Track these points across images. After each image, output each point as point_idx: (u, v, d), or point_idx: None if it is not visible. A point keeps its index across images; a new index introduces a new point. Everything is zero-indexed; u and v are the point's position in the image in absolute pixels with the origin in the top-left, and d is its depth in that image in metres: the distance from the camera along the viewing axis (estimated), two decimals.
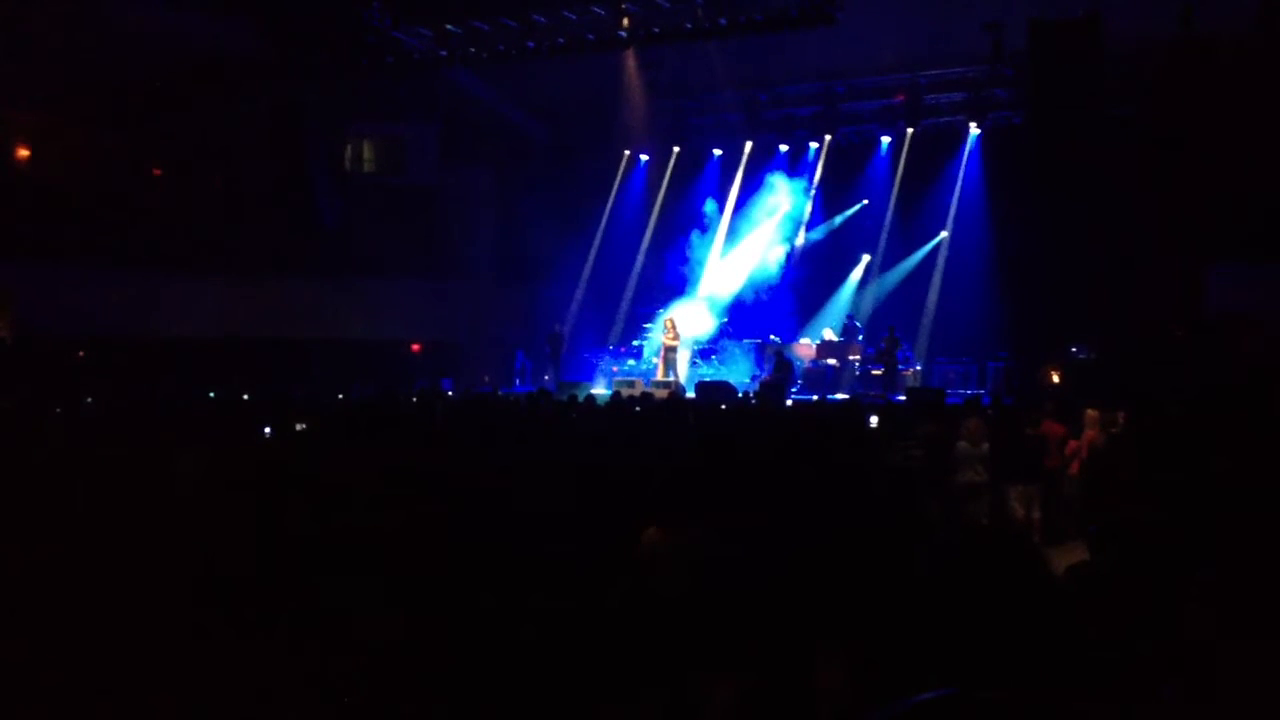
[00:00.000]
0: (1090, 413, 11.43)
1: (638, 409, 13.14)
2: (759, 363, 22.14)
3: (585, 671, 2.80)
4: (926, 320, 22.24)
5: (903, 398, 18.49)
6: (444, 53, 20.69)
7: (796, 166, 24.36)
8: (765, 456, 7.00)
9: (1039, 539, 10.77)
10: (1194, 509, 3.86)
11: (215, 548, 4.10)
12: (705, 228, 24.34)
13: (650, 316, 23.48)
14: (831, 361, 21.69)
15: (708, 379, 20.85)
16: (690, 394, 19.40)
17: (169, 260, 24.93)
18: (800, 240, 24.03)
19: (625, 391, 18.12)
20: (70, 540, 4.09)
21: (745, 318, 23.48)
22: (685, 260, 24.13)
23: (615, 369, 22.88)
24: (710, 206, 24.49)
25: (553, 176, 25.47)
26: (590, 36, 19.59)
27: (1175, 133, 17.91)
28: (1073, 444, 11.33)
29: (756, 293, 23.63)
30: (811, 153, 24.28)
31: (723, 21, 18.41)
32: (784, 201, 23.86)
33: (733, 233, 24.34)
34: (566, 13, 19.38)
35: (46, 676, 3.13)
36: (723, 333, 23.15)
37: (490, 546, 3.89)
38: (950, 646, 1.75)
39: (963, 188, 22.43)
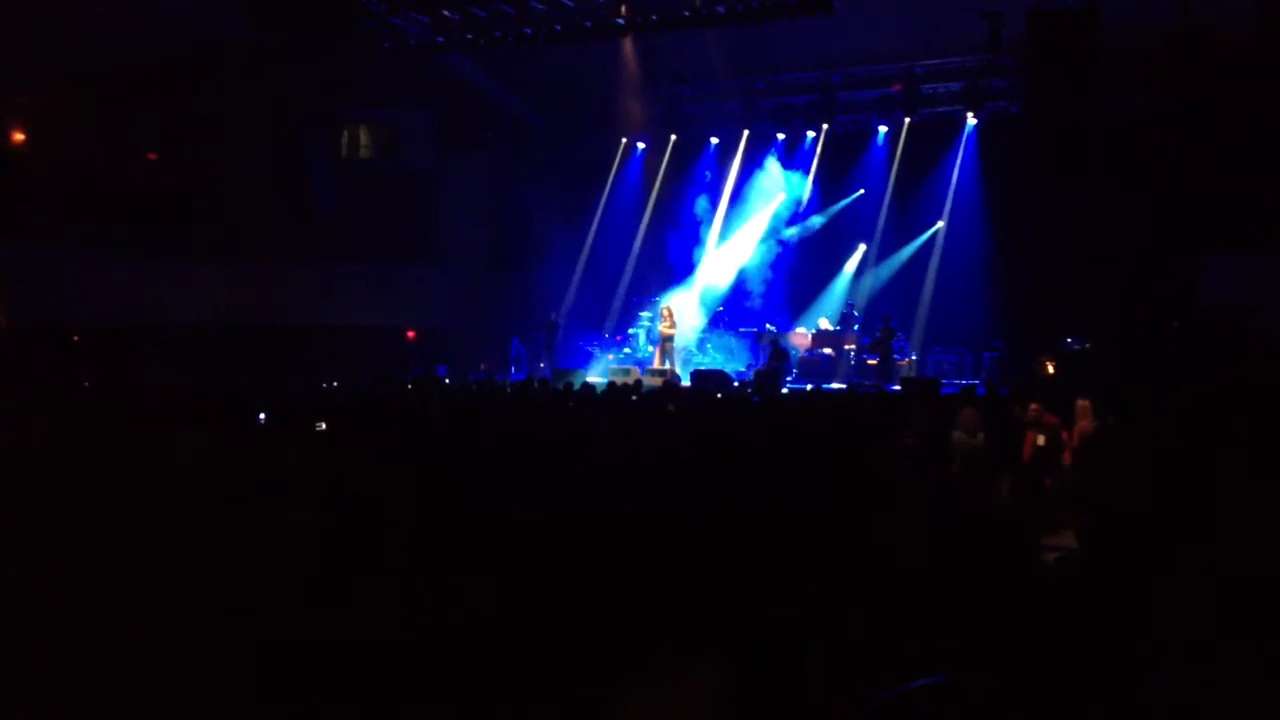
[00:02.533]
0: (1082, 403, 11.47)
1: (634, 397, 13.16)
2: (754, 351, 22.16)
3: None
4: (922, 310, 22.26)
5: (898, 387, 18.55)
6: (441, 39, 20.64)
7: (793, 155, 24.35)
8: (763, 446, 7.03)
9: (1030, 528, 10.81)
10: (1185, 501, 3.87)
11: (213, 534, 4.11)
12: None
13: (646, 305, 23.49)
14: (827, 351, 21.72)
15: (703, 368, 20.88)
16: (685, 382, 19.44)
17: (164, 245, 24.91)
18: (796, 229, 24.03)
19: (620, 380, 18.14)
20: (70, 527, 4.10)
21: (741, 307, 23.50)
22: (692, 235, 24.14)
23: (610, 357, 22.89)
24: (702, 204, 24.51)
25: (549, 163, 25.42)
26: (587, 24, 19.54)
27: (1173, 123, 17.93)
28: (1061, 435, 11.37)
29: (752, 281, 23.64)
30: (808, 141, 24.27)
31: (720, 9, 18.37)
32: (780, 190, 23.88)
33: (729, 221, 24.33)
34: None
35: (48, 665, 3.14)
36: (718, 321, 23.17)
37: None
38: (942, 632, 1.77)
39: (959, 177, 22.42)
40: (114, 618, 3.40)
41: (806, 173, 24.01)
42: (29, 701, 3.09)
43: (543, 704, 2.87)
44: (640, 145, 25.81)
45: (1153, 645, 2.30)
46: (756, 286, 23.64)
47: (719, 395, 15.19)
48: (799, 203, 23.93)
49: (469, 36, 20.40)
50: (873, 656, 2.16)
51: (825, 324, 22.29)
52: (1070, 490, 10.78)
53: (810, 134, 24.22)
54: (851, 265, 23.49)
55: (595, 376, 20.86)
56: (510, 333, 24.24)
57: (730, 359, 22.37)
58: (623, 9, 19.07)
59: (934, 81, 22.76)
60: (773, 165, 23.96)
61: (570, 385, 15.20)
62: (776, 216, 23.89)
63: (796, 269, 23.80)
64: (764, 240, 23.77)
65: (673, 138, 25.37)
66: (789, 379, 20.44)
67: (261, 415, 9.57)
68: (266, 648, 3.20)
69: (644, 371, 20.77)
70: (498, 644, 3.03)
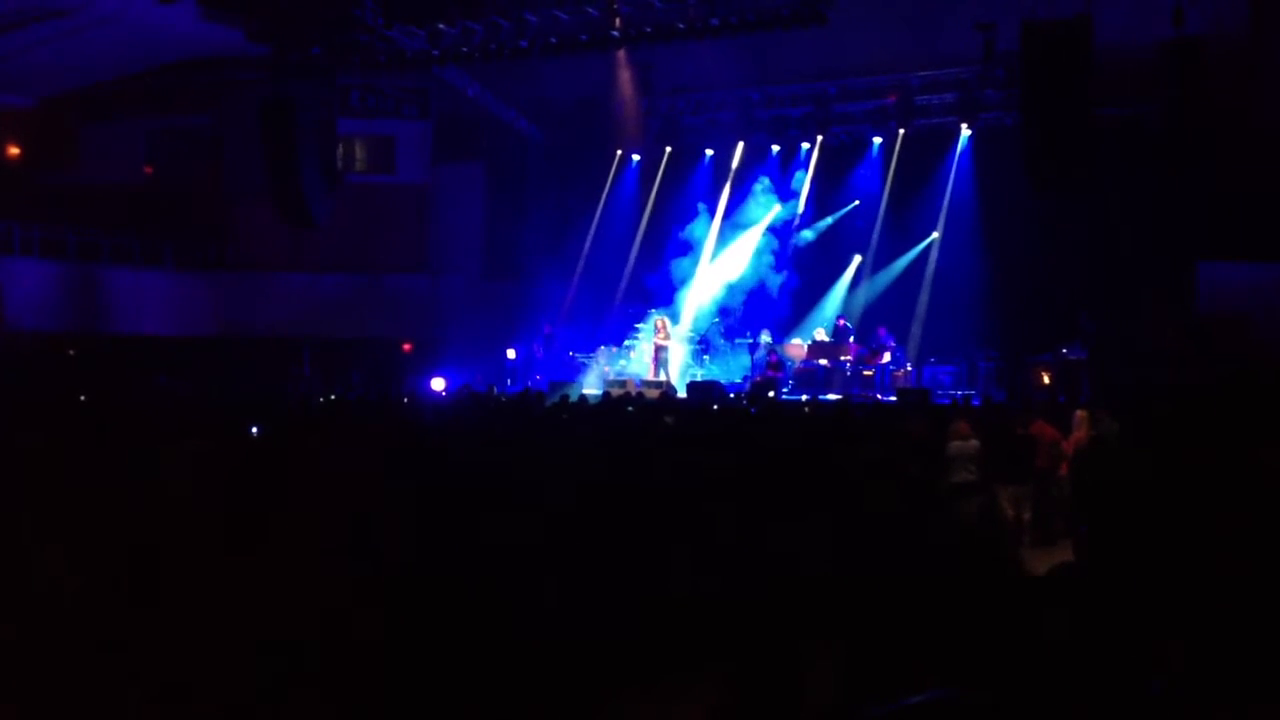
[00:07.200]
0: (1079, 413, 11.49)
1: (629, 409, 13.14)
2: (751, 362, 22.14)
3: None
4: (918, 320, 22.25)
5: (893, 398, 18.59)
6: (436, 51, 20.66)
7: (788, 167, 24.38)
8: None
9: (1029, 540, 10.81)
10: (1183, 509, 3.86)
11: (208, 546, 4.08)
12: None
13: (642, 316, 23.47)
14: (823, 362, 21.69)
15: (699, 379, 20.89)
16: (681, 394, 19.44)
17: (159, 257, 24.91)
18: (810, 232, 24.04)
19: (616, 392, 18.14)
20: (68, 538, 4.07)
21: (737, 318, 23.49)
22: (688, 246, 24.13)
23: (606, 368, 22.87)
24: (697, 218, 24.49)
25: (544, 176, 25.46)
26: (583, 36, 19.57)
27: (1166, 133, 17.98)
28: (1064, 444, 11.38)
29: (748, 293, 23.64)
30: (803, 153, 24.29)
31: (714, 21, 18.40)
32: (775, 202, 23.90)
33: (724, 233, 24.33)
34: (559, 12, 19.36)
35: (45, 679, 3.11)
36: (714, 333, 23.15)
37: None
38: (933, 647, 1.75)
39: (954, 188, 22.45)
40: (110, 629, 3.37)
41: (802, 184, 24.02)
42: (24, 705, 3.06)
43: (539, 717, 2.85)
44: (635, 157, 25.82)
45: (1150, 654, 2.29)
46: (753, 298, 23.63)
47: (715, 406, 15.17)
48: (793, 216, 23.95)
49: (464, 49, 20.42)
50: (869, 672, 2.14)
51: (821, 335, 22.28)
52: (1067, 501, 10.79)
53: (805, 145, 24.23)
54: (847, 277, 23.49)
55: (591, 388, 20.84)
56: (506, 344, 24.24)
57: (726, 370, 22.35)
58: (617, 21, 19.11)
59: (928, 93, 22.82)
60: (761, 188, 23.97)
61: (566, 397, 15.18)
62: (772, 227, 23.87)
63: (792, 281, 23.79)
64: (760, 251, 23.76)
65: (668, 149, 25.40)
66: (785, 390, 20.44)
67: (254, 429, 9.53)
68: (265, 654, 3.17)
69: (639, 383, 20.76)
70: (491, 657, 3.01)
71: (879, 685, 1.81)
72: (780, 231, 23.92)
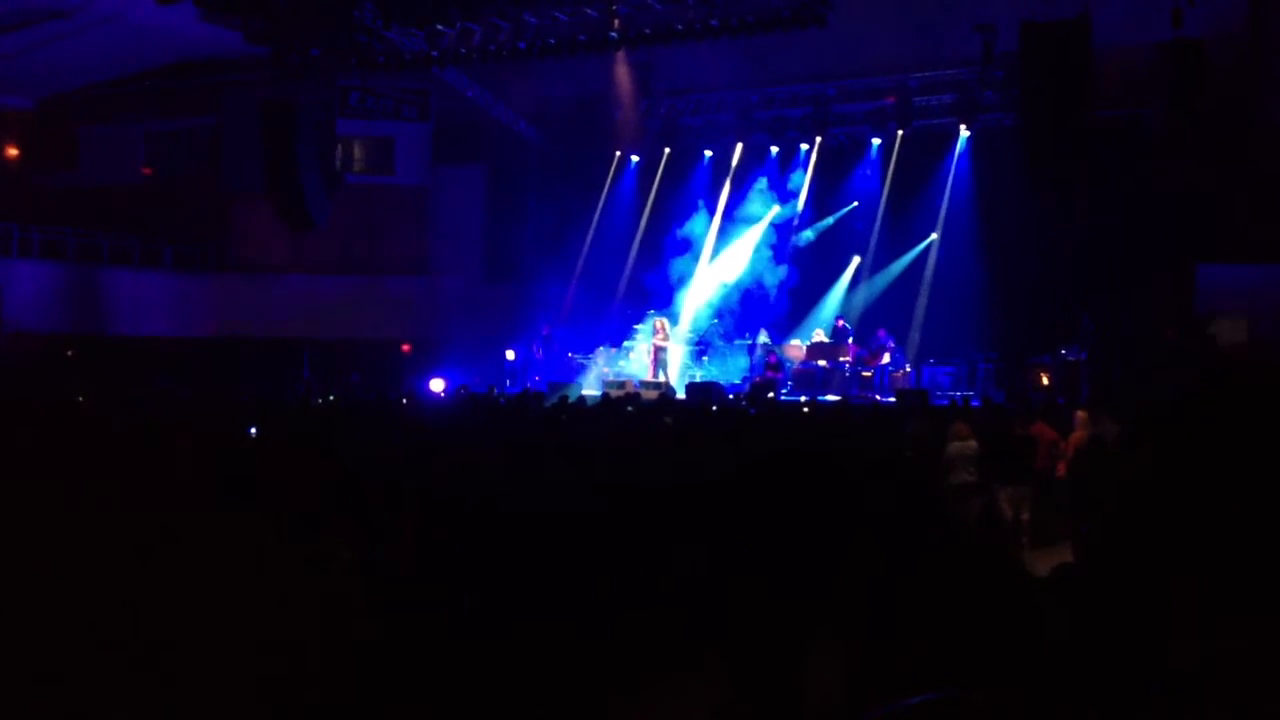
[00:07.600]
0: (1080, 414, 11.49)
1: (629, 409, 13.13)
2: (750, 363, 22.12)
3: None
4: (917, 322, 22.23)
5: (893, 399, 18.58)
6: (435, 53, 20.67)
7: (787, 168, 24.36)
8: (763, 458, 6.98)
9: (1029, 540, 10.81)
10: (1184, 509, 3.85)
11: (207, 548, 4.07)
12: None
13: (640, 317, 23.46)
14: (822, 363, 21.68)
15: (698, 380, 20.88)
16: (680, 395, 19.43)
17: (159, 259, 24.92)
18: (810, 232, 24.03)
19: (615, 393, 18.12)
20: (67, 540, 4.06)
21: (736, 318, 23.48)
22: (687, 247, 24.12)
23: (606, 369, 22.85)
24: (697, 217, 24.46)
25: (544, 177, 25.45)
26: (582, 37, 19.58)
27: (1166, 133, 18.01)
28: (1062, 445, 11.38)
29: (747, 293, 23.63)
30: (802, 154, 24.27)
31: (714, 23, 18.42)
32: (774, 203, 23.89)
33: (723, 234, 24.33)
34: (558, 13, 19.37)
35: (45, 679, 3.11)
36: (713, 334, 23.14)
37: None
38: (933, 650, 1.75)
39: (953, 189, 22.43)
40: (109, 630, 3.36)
41: (800, 185, 24.01)
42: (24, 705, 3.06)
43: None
44: (634, 158, 25.81)
45: (1150, 654, 2.28)
46: (751, 298, 23.62)
47: (714, 407, 15.17)
48: (792, 217, 23.94)
49: (463, 50, 20.43)
50: (869, 672, 2.14)
51: (820, 336, 22.27)
52: (1067, 502, 10.78)
53: (804, 146, 24.22)
54: (846, 278, 23.48)
55: (590, 389, 20.83)
56: (505, 345, 24.23)
57: (725, 371, 22.32)
58: (616, 22, 19.11)
59: (927, 94, 22.83)
60: (760, 189, 23.97)
61: (565, 398, 15.18)
62: (771, 228, 23.87)
63: (792, 277, 23.77)
64: (759, 252, 23.75)
65: (667, 151, 25.39)
66: (784, 391, 20.43)
67: (253, 430, 9.53)
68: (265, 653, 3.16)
69: (638, 384, 20.74)
70: (492, 656, 3.01)
71: (879, 685, 1.80)
72: (780, 228, 23.91)
